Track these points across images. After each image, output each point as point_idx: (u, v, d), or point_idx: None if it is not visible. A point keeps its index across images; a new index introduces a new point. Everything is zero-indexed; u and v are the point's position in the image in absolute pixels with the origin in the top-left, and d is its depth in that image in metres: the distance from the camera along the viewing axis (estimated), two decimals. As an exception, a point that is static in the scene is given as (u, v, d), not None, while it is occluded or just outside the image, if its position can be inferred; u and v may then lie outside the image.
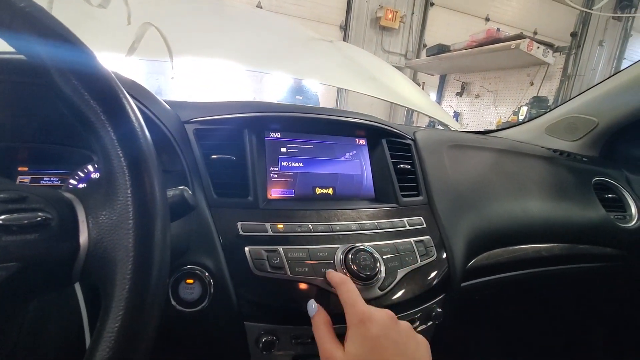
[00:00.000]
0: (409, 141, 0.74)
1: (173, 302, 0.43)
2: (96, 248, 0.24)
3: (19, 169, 0.57)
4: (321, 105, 3.26)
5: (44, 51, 0.24)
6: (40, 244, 0.23)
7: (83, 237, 0.24)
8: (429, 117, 1.71)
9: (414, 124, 5.40)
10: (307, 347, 0.49)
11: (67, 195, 0.26)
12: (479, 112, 4.71)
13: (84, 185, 0.56)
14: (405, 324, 0.40)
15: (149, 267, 0.24)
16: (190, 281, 0.44)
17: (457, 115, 5.02)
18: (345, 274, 0.49)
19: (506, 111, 4.25)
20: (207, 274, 0.45)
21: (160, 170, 0.28)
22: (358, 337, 0.37)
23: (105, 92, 0.26)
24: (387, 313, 0.40)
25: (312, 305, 0.44)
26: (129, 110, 0.26)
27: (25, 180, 0.57)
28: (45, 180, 0.58)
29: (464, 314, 0.74)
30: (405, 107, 1.68)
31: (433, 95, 5.67)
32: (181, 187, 0.37)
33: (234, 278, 0.46)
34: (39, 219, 0.23)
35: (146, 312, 0.23)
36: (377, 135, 0.70)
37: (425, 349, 0.40)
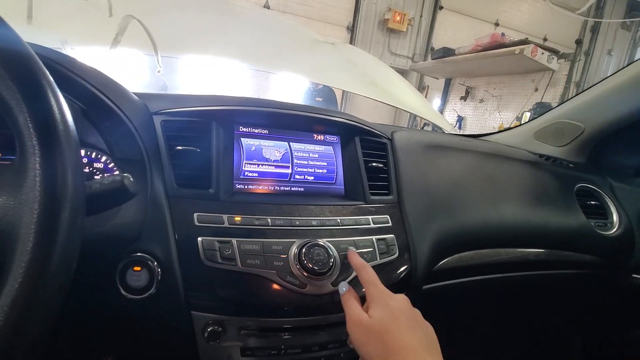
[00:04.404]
0: (384, 140, 0.74)
1: (120, 287, 0.44)
2: (0, 224, 0.25)
3: None
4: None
5: None
6: None
7: None
8: (423, 118, 1.71)
9: (418, 127, 5.38)
10: (254, 339, 0.49)
11: None
12: (482, 117, 4.66)
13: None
14: (418, 310, 0.45)
15: (51, 246, 0.24)
16: (138, 268, 0.45)
17: (460, 120, 4.97)
18: (298, 269, 0.49)
19: (510, 116, 4.21)
20: (155, 262, 0.45)
21: (79, 154, 0.28)
22: (380, 306, 0.43)
23: (24, 73, 0.26)
24: (404, 296, 0.46)
25: (344, 287, 0.48)
26: (48, 92, 0.27)
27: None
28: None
29: (432, 315, 0.74)
30: (400, 108, 1.67)
31: (438, 99, 5.64)
32: (124, 174, 0.37)
33: (182, 267, 0.47)
34: None
35: (45, 292, 0.24)
36: (350, 133, 0.70)
37: (433, 331, 0.43)
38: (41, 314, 0.24)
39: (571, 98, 1.07)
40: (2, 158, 0.58)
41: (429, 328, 0.43)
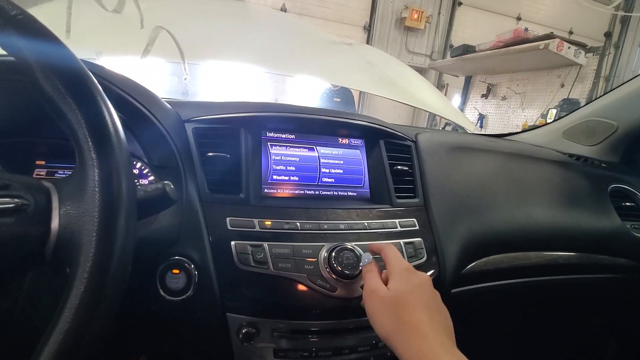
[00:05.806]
0: (408, 143, 0.74)
1: (160, 289, 0.46)
2: (65, 232, 0.27)
3: (37, 162, 0.62)
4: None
5: (29, 52, 0.27)
6: (15, 227, 0.25)
7: (54, 222, 0.27)
8: (445, 119, 1.68)
9: (438, 126, 5.30)
10: (287, 340, 0.50)
11: (46, 184, 0.29)
12: (505, 114, 4.53)
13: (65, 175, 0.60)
14: (438, 292, 0.44)
15: (110, 251, 0.26)
16: (176, 271, 0.47)
17: (482, 118, 4.85)
18: (328, 272, 0.50)
19: (534, 114, 4.06)
20: (192, 265, 0.47)
21: (130, 165, 0.30)
22: (401, 279, 0.43)
23: (82, 91, 0.28)
24: (427, 275, 0.45)
25: (366, 259, 0.48)
26: (103, 109, 0.29)
27: (41, 173, 0.62)
28: (59, 173, 0.63)
29: (461, 319, 0.73)
30: (420, 108, 1.65)
31: (457, 97, 5.52)
32: (165, 182, 0.39)
33: (218, 270, 0.48)
34: (13, 205, 0.25)
35: (107, 295, 0.26)
36: (374, 137, 0.71)
37: (449, 315, 0.42)
38: (104, 316, 0.25)
39: (601, 96, 1.03)
40: (47, 165, 0.62)
41: (446, 312, 0.42)
